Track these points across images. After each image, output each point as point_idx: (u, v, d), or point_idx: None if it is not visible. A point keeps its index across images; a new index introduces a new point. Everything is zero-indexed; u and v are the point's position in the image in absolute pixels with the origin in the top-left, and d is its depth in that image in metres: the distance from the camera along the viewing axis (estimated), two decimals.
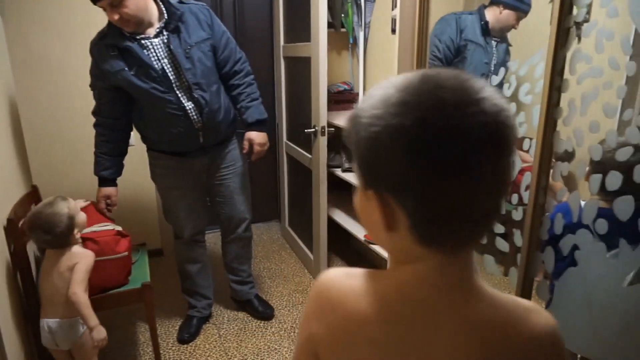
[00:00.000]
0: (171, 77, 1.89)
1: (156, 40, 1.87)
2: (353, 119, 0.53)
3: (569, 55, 1.12)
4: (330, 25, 2.69)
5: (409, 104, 0.47)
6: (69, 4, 2.51)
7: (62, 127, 2.65)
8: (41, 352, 1.76)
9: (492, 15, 2.19)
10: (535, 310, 0.55)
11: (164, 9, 1.89)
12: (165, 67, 1.88)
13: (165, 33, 1.88)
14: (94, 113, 2.00)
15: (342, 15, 2.99)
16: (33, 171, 2.43)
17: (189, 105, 1.94)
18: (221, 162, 2.18)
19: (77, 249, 1.70)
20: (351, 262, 3.02)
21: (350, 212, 3.03)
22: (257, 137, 2.15)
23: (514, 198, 1.32)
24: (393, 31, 2.76)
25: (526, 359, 0.54)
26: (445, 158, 0.45)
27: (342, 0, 2.95)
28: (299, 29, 2.71)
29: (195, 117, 1.97)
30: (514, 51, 2.37)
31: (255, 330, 2.34)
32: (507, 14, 2.15)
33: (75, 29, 2.55)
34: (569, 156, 1.16)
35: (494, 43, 2.25)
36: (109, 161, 2.02)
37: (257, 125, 2.15)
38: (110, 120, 1.99)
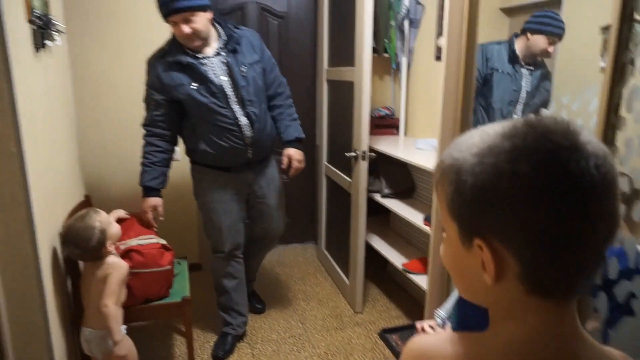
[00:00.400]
0: (228, 93, 2.04)
1: (215, 59, 2.04)
2: (451, 166, 0.52)
3: (625, 91, 1.09)
4: (373, 50, 2.73)
5: (522, 149, 0.47)
6: (125, 24, 2.67)
7: (114, 140, 2.78)
8: (85, 358, 1.82)
9: (521, 42, 2.19)
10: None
11: (221, 31, 2.08)
12: (223, 84, 2.03)
13: (223, 53, 2.05)
14: (146, 125, 2.10)
15: (386, 40, 3.03)
16: (86, 182, 2.55)
17: (242, 120, 2.08)
18: (262, 178, 2.28)
19: (111, 259, 1.72)
20: (387, 290, 2.97)
21: (388, 238, 3.00)
22: (295, 153, 2.28)
23: None
24: (437, 58, 2.76)
25: None
26: (564, 202, 0.45)
27: (386, 26, 2.99)
28: (343, 53, 2.76)
29: (247, 131, 2.09)
30: (563, 83, 2.32)
31: (288, 353, 2.33)
32: (535, 39, 2.15)
33: (129, 48, 2.70)
34: (625, 198, 1.12)
35: (525, 71, 2.23)
36: (157, 171, 2.10)
37: (296, 143, 2.30)
38: (162, 132, 2.09)
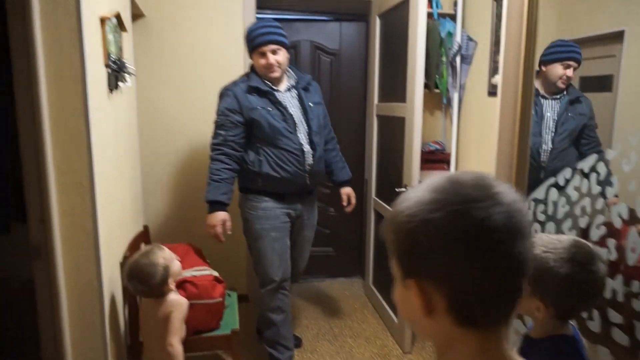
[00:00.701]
0: (297, 121, 2.26)
1: (287, 93, 2.30)
2: (392, 219, 0.60)
3: None
4: (424, 85, 2.73)
5: (441, 201, 0.55)
6: (187, 66, 2.83)
7: (172, 172, 2.91)
8: None
9: (540, 77, 2.16)
10: None
11: (292, 73, 2.36)
12: (294, 113, 2.26)
13: (294, 90, 2.32)
14: (219, 144, 2.20)
15: (437, 76, 3.03)
16: (144, 212, 2.67)
17: (306, 147, 2.27)
18: (308, 210, 2.43)
19: (172, 296, 1.74)
20: None
21: None
22: (351, 192, 2.58)
23: (636, 285, 1.21)
24: (490, 94, 2.73)
25: None
26: (475, 246, 0.53)
27: (437, 62, 3.00)
28: (393, 88, 2.78)
29: (309, 158, 2.27)
30: (628, 121, 2.22)
31: None
32: (550, 69, 2.13)
33: (190, 88, 2.85)
34: None
35: (548, 101, 2.19)
36: (226, 187, 2.19)
37: (349, 183, 2.58)
38: (233, 152, 2.21)
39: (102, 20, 1.60)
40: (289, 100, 2.28)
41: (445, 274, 0.55)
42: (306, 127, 2.27)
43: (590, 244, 0.96)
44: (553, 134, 2.11)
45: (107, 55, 1.62)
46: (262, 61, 2.18)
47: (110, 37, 1.66)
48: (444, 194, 0.56)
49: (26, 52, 1.34)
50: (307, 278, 3.57)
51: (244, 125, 2.20)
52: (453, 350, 0.59)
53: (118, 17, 1.79)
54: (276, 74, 2.21)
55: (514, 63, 1.71)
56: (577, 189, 1.43)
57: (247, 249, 2.44)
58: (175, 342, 1.67)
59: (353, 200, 2.57)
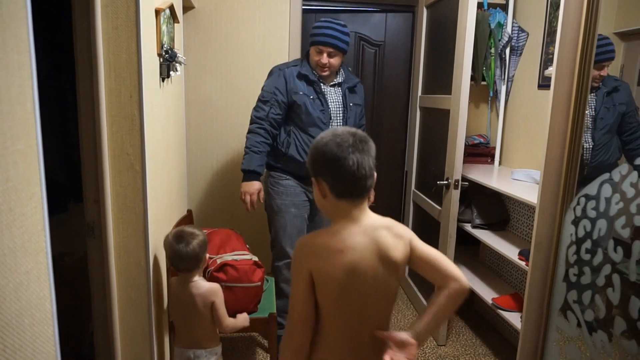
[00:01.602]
0: (333, 115, 2.36)
1: (332, 88, 2.39)
2: (315, 148, 1.16)
3: None
4: (470, 78, 2.67)
5: (323, 137, 1.14)
6: (233, 57, 2.88)
7: (215, 159, 2.99)
8: None
9: None
10: (395, 222, 1.20)
11: (343, 72, 2.44)
12: (333, 107, 2.36)
13: (339, 88, 2.40)
14: (261, 119, 2.28)
15: (484, 68, 2.95)
16: (189, 197, 2.77)
17: None
18: None
19: (205, 284, 1.78)
20: (473, 325, 2.84)
21: (477, 270, 2.88)
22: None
23: None
24: (540, 87, 2.64)
25: (396, 241, 1.16)
26: (334, 160, 1.10)
27: (486, 54, 2.92)
28: (438, 80, 2.73)
29: None
30: None
31: None
32: None
33: (234, 76, 2.91)
34: None
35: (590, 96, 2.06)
36: (263, 159, 2.29)
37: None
38: (271, 129, 2.30)
39: (157, 12, 1.66)
40: (332, 94, 2.37)
41: (325, 174, 1.13)
42: (341, 123, 2.37)
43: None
44: (592, 130, 2.02)
45: (161, 45, 1.69)
46: (317, 58, 2.27)
47: (163, 27, 1.72)
48: (324, 135, 1.15)
49: (88, 41, 1.41)
50: None
51: (286, 106, 2.30)
52: (339, 211, 1.16)
53: (171, 8, 1.85)
54: (325, 73, 2.32)
55: (570, 54, 1.64)
56: (635, 185, 1.36)
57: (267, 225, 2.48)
58: (229, 323, 1.80)
59: (372, 197, 2.51)
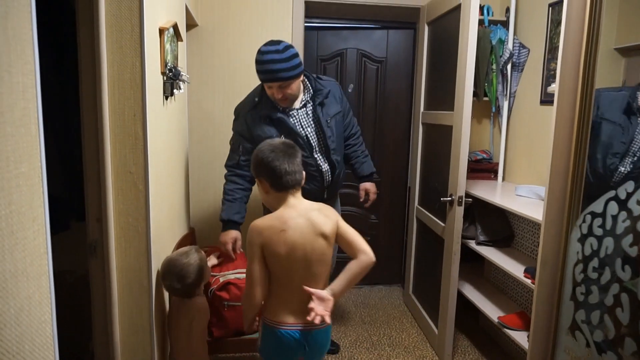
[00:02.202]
0: (313, 143, 2.20)
1: (301, 110, 2.21)
2: (255, 156, 1.58)
3: None
4: (473, 94, 2.68)
5: (260, 148, 1.57)
6: (232, 71, 2.90)
7: (218, 176, 2.97)
8: None
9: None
10: (324, 205, 1.62)
11: (308, 84, 2.22)
12: (309, 134, 2.19)
13: (309, 105, 2.21)
14: (231, 166, 2.26)
15: (486, 84, 2.96)
16: (191, 214, 2.75)
17: (324, 167, 2.24)
18: None
19: (199, 300, 1.80)
20: (479, 343, 2.79)
21: (482, 287, 2.84)
22: (371, 186, 2.56)
23: None
24: (542, 102, 2.64)
25: (326, 220, 1.55)
26: (270, 161, 1.51)
27: (487, 70, 2.93)
28: (441, 96, 2.74)
29: (327, 177, 2.26)
30: None
31: None
32: None
33: (237, 94, 2.90)
34: None
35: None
36: (239, 206, 2.24)
37: (370, 177, 2.57)
38: (246, 173, 2.23)
39: (161, 31, 1.67)
40: (303, 120, 2.21)
41: (265, 175, 1.52)
42: (325, 147, 2.22)
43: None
44: (633, 158, 1.90)
45: (164, 63, 1.69)
46: (270, 92, 2.11)
47: (167, 46, 1.73)
48: (269, 144, 1.56)
49: (92, 59, 1.42)
50: None
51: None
52: (280, 201, 1.53)
53: (175, 27, 1.86)
54: (285, 104, 2.15)
55: (573, 71, 1.64)
56: None
57: None
58: (199, 347, 1.77)
59: (372, 196, 2.55)
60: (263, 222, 1.51)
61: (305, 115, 2.21)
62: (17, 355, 0.71)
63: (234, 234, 2.23)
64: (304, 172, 1.59)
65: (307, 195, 2.20)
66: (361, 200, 2.56)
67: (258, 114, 2.15)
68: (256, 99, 2.18)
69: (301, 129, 2.18)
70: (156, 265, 1.71)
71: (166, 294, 1.89)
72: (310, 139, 2.19)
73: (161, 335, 1.81)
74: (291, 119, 2.16)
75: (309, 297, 1.50)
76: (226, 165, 2.29)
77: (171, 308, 1.84)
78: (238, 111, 2.26)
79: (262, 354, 1.64)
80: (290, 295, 1.54)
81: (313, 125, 2.21)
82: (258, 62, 2.04)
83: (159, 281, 1.81)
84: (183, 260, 1.76)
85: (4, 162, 0.70)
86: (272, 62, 1.99)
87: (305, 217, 1.51)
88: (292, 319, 1.54)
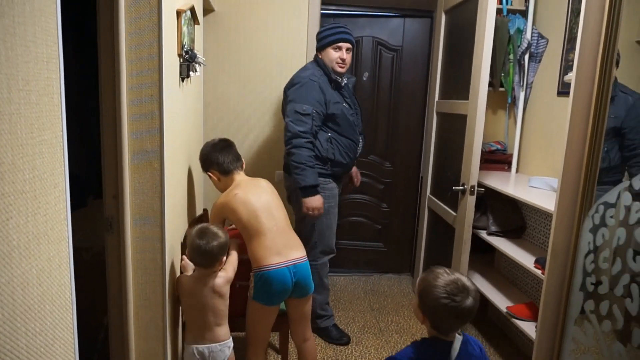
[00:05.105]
0: (356, 113, 2.57)
1: (346, 87, 2.54)
2: (202, 155, 2.08)
3: None
4: (489, 83, 2.66)
5: (205, 146, 2.08)
6: (249, 57, 2.92)
7: None
8: None
9: None
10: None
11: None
12: (352, 105, 2.56)
13: (350, 82, 2.61)
14: (307, 133, 2.31)
15: (502, 74, 2.93)
16: (205, 196, 2.80)
17: (359, 137, 2.57)
18: (340, 191, 2.66)
19: (221, 274, 1.81)
20: (487, 333, 2.80)
21: (492, 278, 2.84)
22: (357, 170, 2.82)
23: None
24: (559, 93, 2.61)
25: (266, 182, 2.07)
26: (213, 152, 2.04)
27: (504, 60, 2.90)
28: (456, 86, 2.72)
29: (360, 147, 2.60)
30: None
31: None
32: None
33: (252, 78, 2.95)
34: None
35: None
36: (316, 172, 2.36)
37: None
38: (314, 139, 2.37)
39: (179, 13, 1.70)
40: (348, 93, 2.53)
41: (213, 165, 2.00)
42: (359, 118, 2.56)
43: (466, 280, 1.31)
44: None
45: (181, 45, 1.72)
46: (337, 54, 2.40)
47: (184, 29, 1.75)
48: (203, 146, 2.08)
49: (111, 39, 1.45)
50: (356, 271, 3.60)
51: (324, 116, 2.39)
52: (230, 181, 2.03)
53: (192, 10, 1.88)
54: (344, 70, 2.44)
55: (591, 61, 1.62)
56: None
57: (302, 224, 2.50)
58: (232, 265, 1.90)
59: (359, 176, 2.83)
60: (222, 201, 1.94)
61: (348, 91, 2.53)
62: (38, 314, 0.75)
63: (321, 198, 2.36)
64: (242, 159, 2.05)
65: (348, 167, 2.56)
66: (355, 179, 2.80)
67: (325, 79, 2.41)
68: (319, 71, 2.42)
69: (351, 100, 2.52)
70: (170, 243, 1.75)
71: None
72: (354, 110, 2.54)
73: (173, 312, 1.85)
74: (347, 91, 2.52)
75: (287, 238, 1.93)
76: (298, 132, 2.29)
77: (185, 291, 1.82)
78: (307, 78, 2.37)
79: (256, 298, 1.89)
80: (271, 240, 1.88)
81: (354, 100, 2.57)
82: (331, 28, 2.43)
83: (175, 259, 1.85)
84: (213, 228, 1.79)
85: (28, 129, 0.73)
86: (344, 28, 2.43)
87: (253, 182, 2.01)
88: (278, 259, 1.87)
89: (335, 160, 2.45)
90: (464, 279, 1.31)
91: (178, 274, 1.93)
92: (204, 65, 2.17)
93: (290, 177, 2.42)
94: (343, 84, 2.46)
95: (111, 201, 1.59)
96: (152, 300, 1.67)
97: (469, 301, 1.27)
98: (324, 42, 2.43)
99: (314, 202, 2.32)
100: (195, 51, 1.88)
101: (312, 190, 2.31)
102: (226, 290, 1.82)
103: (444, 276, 1.30)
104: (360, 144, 2.58)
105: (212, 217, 1.97)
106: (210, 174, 2.01)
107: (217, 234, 1.76)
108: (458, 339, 1.34)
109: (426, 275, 1.35)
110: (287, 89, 2.44)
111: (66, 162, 0.83)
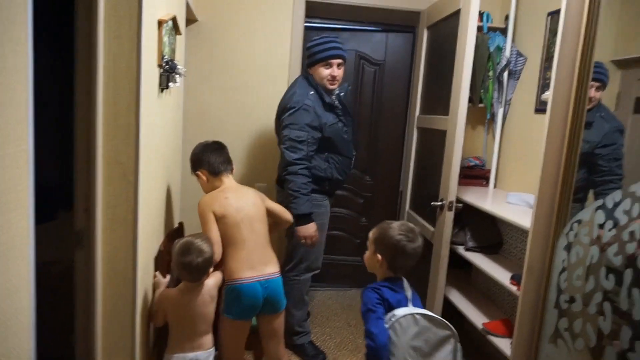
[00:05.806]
0: (348, 128, 2.53)
1: (337, 101, 2.49)
2: (193, 155, 2.09)
3: None
4: (468, 99, 2.69)
5: (196, 147, 2.10)
6: (234, 68, 2.91)
7: None
8: None
9: None
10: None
11: None
12: (344, 120, 2.49)
13: (341, 95, 2.52)
14: (301, 159, 2.29)
15: (482, 90, 2.98)
16: (182, 209, 2.75)
17: (353, 152, 2.59)
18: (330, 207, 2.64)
19: (210, 280, 1.84)
20: (463, 349, 2.78)
21: (468, 294, 2.85)
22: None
23: None
24: (537, 111, 2.66)
25: (255, 192, 2.07)
26: (204, 153, 2.04)
27: (484, 76, 2.95)
28: (436, 101, 2.75)
29: (353, 162, 2.61)
30: None
31: None
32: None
33: (234, 89, 2.93)
34: None
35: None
36: (310, 199, 2.33)
37: None
38: (309, 164, 2.35)
39: (160, 23, 1.67)
40: (343, 106, 2.51)
41: (203, 166, 1.99)
42: (351, 132, 2.54)
43: (413, 226, 1.64)
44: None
45: (161, 56, 1.69)
46: (328, 71, 2.35)
47: (165, 39, 1.73)
48: (195, 147, 2.07)
49: (88, 47, 1.41)
50: (334, 286, 3.57)
51: (319, 140, 2.37)
52: (219, 183, 2.01)
53: (174, 20, 1.86)
54: (335, 87, 2.40)
55: (567, 80, 1.66)
56: (627, 212, 1.36)
57: (293, 238, 2.47)
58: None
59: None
60: (211, 195, 1.95)
61: (340, 99, 2.50)
62: None
63: (314, 226, 2.34)
64: (232, 164, 2.06)
65: (343, 180, 2.54)
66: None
67: (319, 103, 2.35)
68: (311, 92, 2.37)
69: (342, 115, 2.48)
70: (143, 256, 1.70)
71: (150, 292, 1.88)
72: (347, 125, 2.52)
73: (145, 329, 1.80)
74: (337, 104, 2.47)
75: (263, 254, 1.94)
76: (294, 159, 2.28)
77: (173, 302, 1.80)
78: (301, 103, 2.31)
79: (227, 313, 1.88)
80: (247, 253, 1.89)
81: (346, 113, 2.53)
82: (321, 43, 2.34)
83: (148, 274, 1.80)
84: (198, 240, 1.78)
85: None
86: (335, 42, 2.36)
87: (242, 190, 2.02)
88: (250, 273, 1.88)
89: (334, 179, 2.48)
90: (412, 225, 1.63)
91: (150, 290, 1.88)
92: (184, 76, 2.14)
93: (284, 191, 2.40)
94: (336, 103, 2.43)
95: (82, 214, 1.54)
96: (121, 318, 1.62)
97: (419, 241, 1.61)
98: (313, 59, 2.37)
99: (308, 230, 2.32)
100: (176, 62, 1.86)
101: (306, 218, 2.30)
102: (215, 292, 1.86)
103: (394, 223, 1.62)
104: (353, 157, 2.60)
105: (204, 221, 1.91)
106: (199, 173, 2.00)
107: (202, 250, 1.74)
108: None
109: (379, 226, 1.65)
110: (280, 114, 2.40)
111: (32, 178, 0.80)
